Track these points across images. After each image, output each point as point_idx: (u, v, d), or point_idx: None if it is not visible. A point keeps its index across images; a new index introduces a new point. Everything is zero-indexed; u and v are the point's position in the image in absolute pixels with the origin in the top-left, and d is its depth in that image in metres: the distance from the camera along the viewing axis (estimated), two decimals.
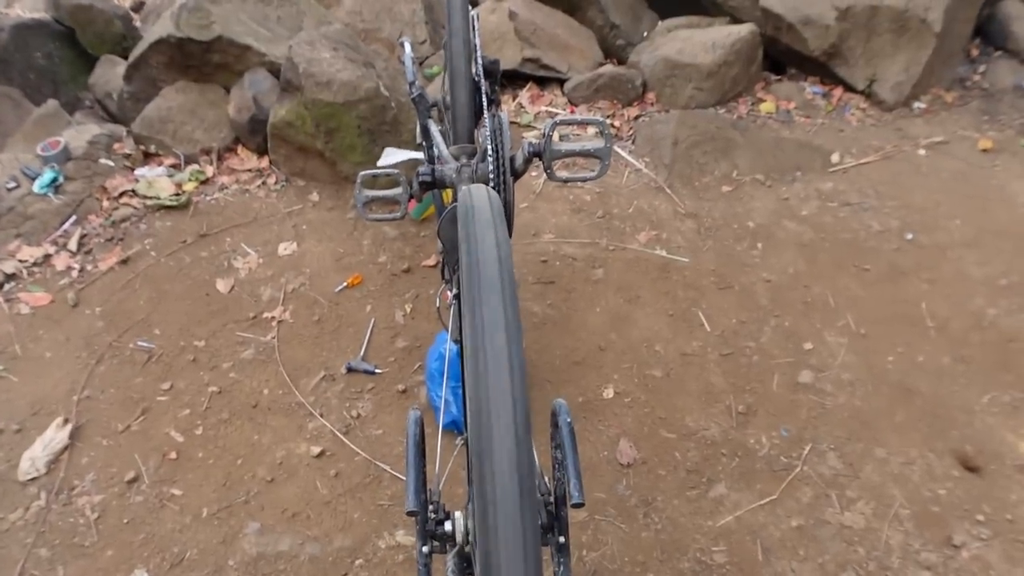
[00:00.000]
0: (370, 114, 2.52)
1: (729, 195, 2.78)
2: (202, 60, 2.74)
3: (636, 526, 1.78)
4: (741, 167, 2.87)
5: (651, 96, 3.31)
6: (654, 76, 3.29)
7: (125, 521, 1.78)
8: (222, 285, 2.35)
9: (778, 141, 2.97)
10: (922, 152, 3.02)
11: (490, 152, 1.35)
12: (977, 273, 2.48)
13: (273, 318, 2.26)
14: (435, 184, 1.40)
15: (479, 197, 0.97)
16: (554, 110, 3.29)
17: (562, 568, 0.91)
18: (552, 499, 0.92)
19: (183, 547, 1.73)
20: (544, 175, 2.83)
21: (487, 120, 1.43)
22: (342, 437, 1.96)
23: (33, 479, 1.82)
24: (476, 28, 1.77)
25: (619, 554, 1.72)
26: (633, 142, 3.08)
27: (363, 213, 1.51)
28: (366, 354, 2.17)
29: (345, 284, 2.36)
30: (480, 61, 1.69)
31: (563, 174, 1.34)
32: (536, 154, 1.31)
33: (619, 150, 3.01)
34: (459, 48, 1.70)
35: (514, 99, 3.36)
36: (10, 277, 2.31)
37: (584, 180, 1.37)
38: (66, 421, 1.92)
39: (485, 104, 1.61)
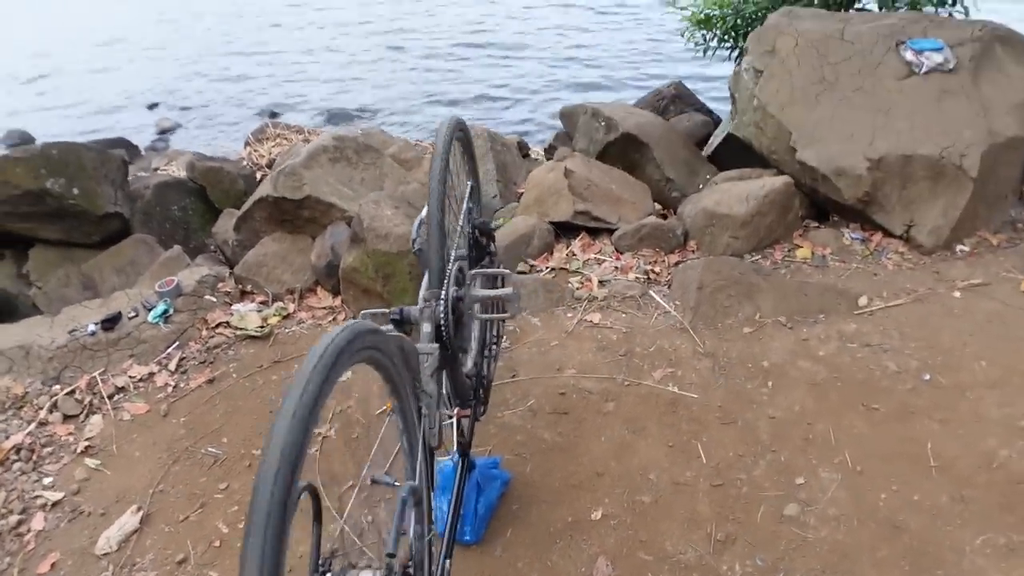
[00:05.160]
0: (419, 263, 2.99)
1: (749, 336, 2.95)
2: (294, 215, 3.37)
3: None
4: (764, 310, 3.04)
5: (692, 244, 3.58)
6: (695, 225, 3.57)
7: None
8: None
9: (802, 285, 3.12)
10: (957, 294, 3.05)
11: (442, 297, 1.70)
12: (996, 414, 2.47)
13: (319, 434, 2.65)
14: (403, 322, 1.75)
15: (297, 381, 0.98)
16: (602, 257, 3.63)
17: None
18: None
19: None
20: (573, 317, 3.15)
21: (449, 274, 1.78)
22: (355, 539, 2.26)
23: (106, 554, 2.25)
24: (468, 193, 2.17)
25: None
26: (669, 286, 3.34)
27: None
28: (390, 468, 2.49)
29: (385, 407, 2.74)
30: (466, 221, 2.08)
31: (483, 315, 1.67)
32: (459, 299, 1.65)
33: (653, 293, 3.28)
34: (435, 204, 1.90)
35: (567, 247, 3.74)
36: (120, 389, 2.89)
37: (503, 318, 1.69)
38: (139, 509, 2.37)
39: (453, 256, 1.94)
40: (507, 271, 1.71)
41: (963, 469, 2.28)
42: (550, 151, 5.03)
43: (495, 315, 1.69)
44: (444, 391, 1.92)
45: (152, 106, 10.83)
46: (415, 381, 1.57)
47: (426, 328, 1.71)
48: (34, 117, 10.11)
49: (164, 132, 9.55)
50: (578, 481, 2.39)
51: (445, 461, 2.30)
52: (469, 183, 2.26)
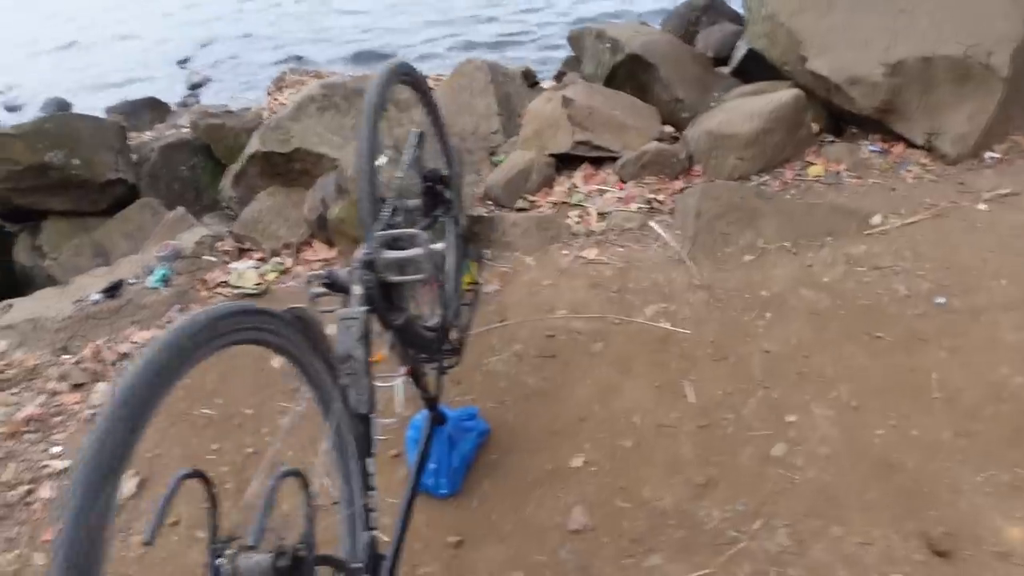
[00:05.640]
0: None
1: (749, 264, 2.78)
2: (286, 168, 3.33)
3: None
4: (767, 235, 2.86)
5: (698, 169, 3.38)
6: (699, 149, 3.37)
7: (162, 556, 2.21)
8: (276, 361, 2.80)
9: (810, 206, 2.92)
10: (982, 207, 2.80)
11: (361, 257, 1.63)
12: (1011, 338, 2.28)
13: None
14: (333, 287, 1.68)
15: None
16: (605, 188, 3.48)
17: None
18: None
19: None
20: (569, 254, 3.04)
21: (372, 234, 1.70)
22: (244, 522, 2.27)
23: None
24: (416, 141, 2.06)
25: None
26: (671, 215, 3.18)
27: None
28: None
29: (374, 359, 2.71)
30: (416, 171, 1.98)
31: (395, 278, 1.59)
32: (369, 263, 1.57)
33: (653, 224, 3.12)
34: (364, 162, 1.81)
35: (569, 179, 3.59)
36: (124, 356, 2.94)
37: (414, 281, 1.61)
38: (136, 473, 2.43)
39: (386, 212, 1.84)
40: (415, 231, 1.62)
41: (969, 401, 2.12)
42: (559, 78, 4.81)
43: (405, 278, 1.61)
44: (395, 351, 1.87)
45: (183, 61, 10.89)
46: (325, 352, 1.51)
47: (356, 291, 1.64)
48: (69, 84, 10.31)
49: (195, 87, 9.61)
50: (559, 427, 2.33)
51: (416, 417, 2.27)
52: (419, 131, 2.15)
